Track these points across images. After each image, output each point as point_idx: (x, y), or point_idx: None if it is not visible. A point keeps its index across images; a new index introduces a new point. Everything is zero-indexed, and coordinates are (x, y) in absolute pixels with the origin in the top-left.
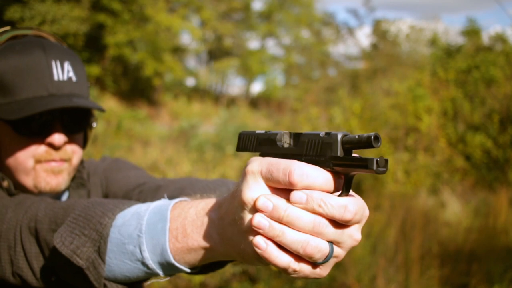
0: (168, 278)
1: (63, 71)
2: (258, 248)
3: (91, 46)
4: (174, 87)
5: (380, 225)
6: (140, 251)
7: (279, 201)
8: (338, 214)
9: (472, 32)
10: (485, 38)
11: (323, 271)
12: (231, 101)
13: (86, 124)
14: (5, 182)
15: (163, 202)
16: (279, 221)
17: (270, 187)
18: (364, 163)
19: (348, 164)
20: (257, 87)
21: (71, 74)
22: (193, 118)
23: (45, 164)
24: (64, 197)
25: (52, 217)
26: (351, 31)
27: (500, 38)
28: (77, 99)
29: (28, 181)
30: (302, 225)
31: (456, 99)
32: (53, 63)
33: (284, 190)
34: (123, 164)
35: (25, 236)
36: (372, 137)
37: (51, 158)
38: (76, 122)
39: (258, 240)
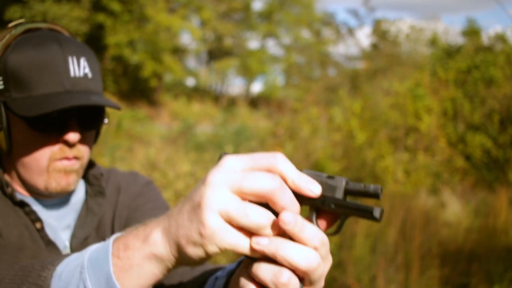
0: None
1: (79, 67)
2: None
3: (91, 46)
4: (174, 87)
5: (380, 225)
6: (85, 287)
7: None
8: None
9: (472, 32)
10: (485, 38)
11: None
12: (231, 101)
13: (100, 121)
14: (8, 188)
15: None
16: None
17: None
18: (368, 211)
19: (351, 208)
20: (257, 87)
21: (87, 70)
22: (192, 118)
23: (58, 163)
24: (79, 203)
25: None
26: (351, 31)
27: (500, 38)
28: (94, 96)
29: (40, 181)
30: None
31: (456, 99)
32: (70, 59)
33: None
34: (154, 195)
35: None
36: (379, 189)
37: (64, 156)
38: (91, 119)
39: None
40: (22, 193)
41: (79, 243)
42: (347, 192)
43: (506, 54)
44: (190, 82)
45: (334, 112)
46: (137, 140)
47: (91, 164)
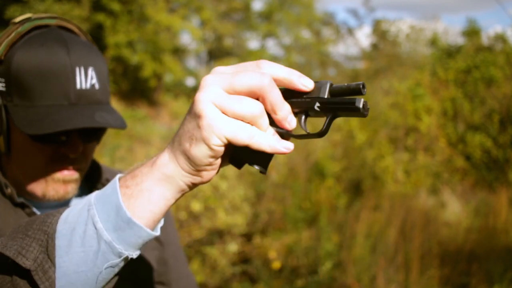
0: (133, 255)
1: (86, 78)
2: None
3: None
4: (174, 87)
5: (380, 225)
6: (93, 223)
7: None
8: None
9: (472, 32)
10: (485, 38)
11: None
12: None
13: (103, 134)
14: (8, 189)
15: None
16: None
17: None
18: (351, 102)
19: (335, 103)
20: None
21: (95, 80)
22: None
23: (57, 173)
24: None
25: None
26: (351, 31)
27: (500, 38)
28: (100, 113)
29: (37, 189)
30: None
31: (456, 99)
32: (77, 69)
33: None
34: (169, 221)
35: None
36: (360, 85)
37: (64, 167)
38: (93, 133)
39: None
40: (20, 194)
41: None
42: (332, 93)
43: (506, 54)
44: (190, 82)
45: None
46: (137, 140)
47: (98, 168)
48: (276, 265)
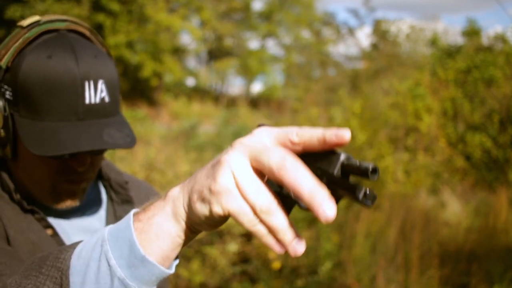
0: None
1: (96, 92)
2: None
3: None
4: (174, 87)
5: (380, 225)
6: (107, 260)
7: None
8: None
9: (472, 32)
10: (486, 39)
11: None
12: (231, 101)
13: (111, 147)
14: (17, 195)
15: (124, 219)
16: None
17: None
18: (351, 189)
19: (339, 185)
20: (257, 87)
21: (104, 94)
22: (192, 118)
23: (64, 185)
24: (97, 208)
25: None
26: (351, 31)
27: (500, 38)
28: (107, 129)
29: (44, 199)
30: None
31: (456, 99)
32: (87, 84)
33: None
34: None
35: None
36: (370, 169)
37: (71, 179)
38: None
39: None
40: (29, 196)
41: None
42: (343, 170)
43: (506, 54)
44: (190, 82)
45: (334, 112)
46: (137, 140)
47: (113, 170)
48: (276, 265)
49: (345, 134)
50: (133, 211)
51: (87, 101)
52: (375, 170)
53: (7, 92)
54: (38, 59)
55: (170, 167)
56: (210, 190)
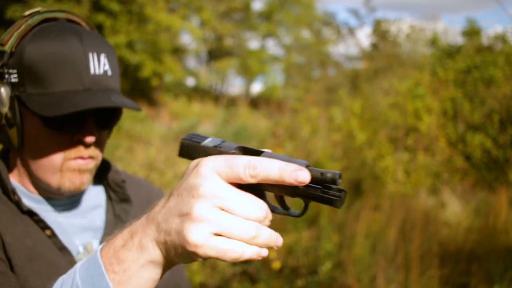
0: None
1: (99, 64)
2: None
3: None
4: (174, 87)
5: (380, 225)
6: None
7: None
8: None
9: (472, 32)
10: (486, 39)
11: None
12: (231, 101)
13: (118, 120)
14: (15, 196)
15: (90, 255)
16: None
17: (228, 181)
18: (328, 201)
19: (310, 196)
20: (257, 87)
21: (107, 67)
22: (192, 118)
23: (72, 162)
24: (96, 207)
25: None
26: (351, 31)
27: (500, 38)
28: (115, 96)
29: (52, 180)
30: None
31: (456, 99)
32: (90, 55)
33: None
34: None
35: None
36: (336, 177)
37: (79, 155)
38: (108, 119)
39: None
40: (31, 191)
41: None
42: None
43: (506, 54)
44: (190, 82)
45: (334, 112)
46: (137, 140)
47: (111, 168)
48: (276, 265)
49: (306, 179)
50: (98, 253)
51: (92, 71)
52: (339, 177)
53: (12, 76)
54: (43, 39)
55: (170, 167)
56: (187, 251)
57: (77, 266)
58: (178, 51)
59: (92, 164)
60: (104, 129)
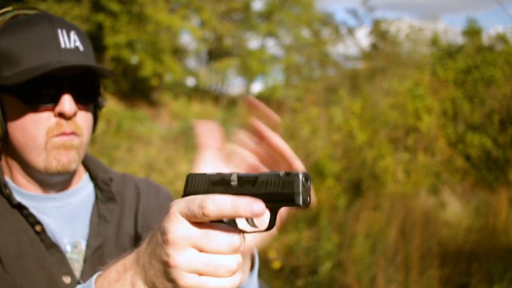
0: None
1: (69, 40)
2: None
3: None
4: (174, 87)
5: (379, 225)
6: None
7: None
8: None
9: (472, 32)
10: (486, 39)
11: None
12: (231, 101)
13: (96, 95)
14: (6, 190)
15: (84, 284)
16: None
17: (191, 222)
18: (290, 199)
19: (274, 200)
20: (257, 87)
21: (78, 43)
22: (191, 118)
23: (56, 139)
24: (85, 207)
25: None
26: (350, 31)
27: (501, 38)
28: (84, 62)
29: (39, 161)
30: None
31: (456, 99)
32: (59, 31)
33: (203, 223)
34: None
35: None
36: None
37: (62, 130)
38: (85, 91)
39: None
40: (22, 187)
41: (92, 253)
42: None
43: (506, 54)
44: (190, 82)
45: (334, 112)
46: (137, 140)
47: (101, 168)
48: (276, 265)
49: (261, 210)
50: (93, 280)
51: (62, 45)
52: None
53: None
54: (14, 27)
55: (170, 167)
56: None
57: None
58: (178, 51)
59: (76, 141)
60: (83, 103)
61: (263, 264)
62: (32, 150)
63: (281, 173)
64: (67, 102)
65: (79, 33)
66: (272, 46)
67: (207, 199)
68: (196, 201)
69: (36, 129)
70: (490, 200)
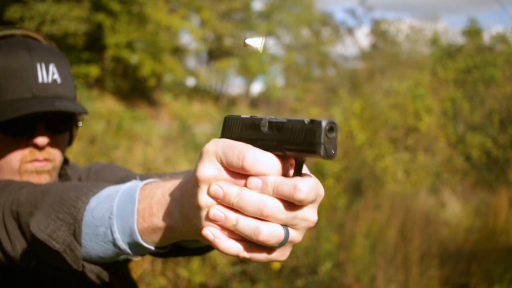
0: (139, 258)
1: (47, 73)
2: (207, 239)
3: (91, 46)
4: (174, 87)
5: (379, 225)
6: (111, 232)
7: (229, 188)
8: (288, 194)
9: (473, 32)
10: (486, 39)
11: (280, 255)
12: (231, 101)
13: (70, 124)
14: None
15: (133, 184)
16: (231, 207)
17: (224, 168)
18: (312, 149)
19: (297, 149)
20: (257, 87)
21: (56, 76)
22: (190, 119)
23: (29, 165)
24: None
25: (33, 201)
26: (350, 31)
27: (501, 38)
28: (61, 101)
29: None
30: (252, 210)
31: (456, 99)
32: (38, 65)
33: (237, 172)
34: (116, 167)
35: (8, 219)
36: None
37: (34, 158)
38: (59, 123)
39: (206, 232)
40: None
41: None
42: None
43: (506, 55)
44: (190, 82)
45: (334, 112)
46: (137, 140)
47: (76, 172)
48: (276, 265)
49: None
50: (138, 189)
51: (40, 79)
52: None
53: None
54: None
55: (169, 167)
56: (198, 219)
57: (122, 188)
58: (178, 51)
59: (49, 166)
60: (56, 134)
61: (263, 264)
62: (7, 173)
63: (306, 120)
64: (39, 136)
65: (57, 64)
66: (272, 46)
67: (247, 151)
68: (235, 149)
69: (11, 156)
70: (490, 200)
